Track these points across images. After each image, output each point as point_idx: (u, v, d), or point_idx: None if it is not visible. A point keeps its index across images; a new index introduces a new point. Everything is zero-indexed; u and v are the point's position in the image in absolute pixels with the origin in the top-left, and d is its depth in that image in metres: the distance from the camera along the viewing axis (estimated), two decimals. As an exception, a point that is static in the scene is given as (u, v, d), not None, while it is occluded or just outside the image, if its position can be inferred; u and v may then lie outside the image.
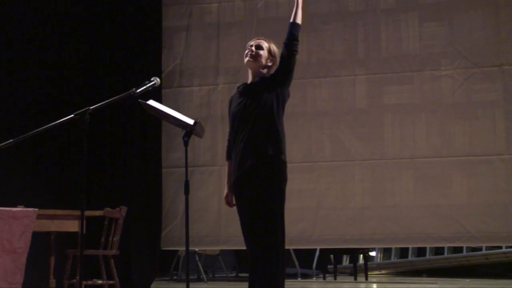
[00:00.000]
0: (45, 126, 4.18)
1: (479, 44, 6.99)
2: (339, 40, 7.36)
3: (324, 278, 8.99)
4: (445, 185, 6.93)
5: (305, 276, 9.48)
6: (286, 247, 8.77)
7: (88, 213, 5.69)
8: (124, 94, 4.35)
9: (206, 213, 7.42)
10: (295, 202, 7.04)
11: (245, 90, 4.53)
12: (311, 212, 7.19)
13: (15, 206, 5.51)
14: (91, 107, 4.08)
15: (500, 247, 9.00)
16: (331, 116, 7.28)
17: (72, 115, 4.05)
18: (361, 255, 9.17)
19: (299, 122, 7.24)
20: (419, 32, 7.14)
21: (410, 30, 7.17)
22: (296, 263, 9.43)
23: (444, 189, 6.92)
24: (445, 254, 9.48)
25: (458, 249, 9.35)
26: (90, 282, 6.64)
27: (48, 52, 7.52)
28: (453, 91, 7.01)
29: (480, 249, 9.21)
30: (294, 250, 9.32)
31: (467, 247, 9.20)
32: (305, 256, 9.64)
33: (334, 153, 7.23)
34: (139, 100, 4.56)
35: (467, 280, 8.75)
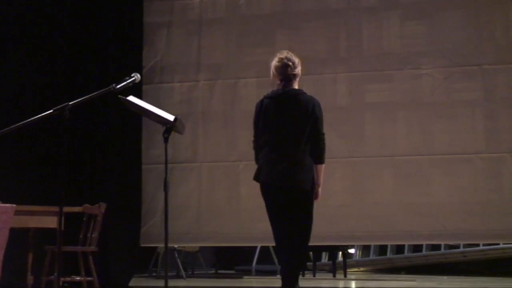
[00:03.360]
0: (23, 122, 4.14)
1: (459, 43, 7.02)
2: (320, 38, 7.36)
3: (303, 275, 9.00)
4: (425, 183, 6.96)
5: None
6: (266, 245, 8.87)
7: (66, 209, 5.65)
8: (104, 89, 4.33)
9: (186, 210, 7.40)
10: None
11: None
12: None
13: (-8, 201, 5.46)
14: (70, 103, 4.05)
15: (478, 245, 9.08)
16: (312, 114, 7.27)
17: (51, 111, 4.03)
18: (340, 252, 9.20)
19: (280, 119, 7.23)
20: (400, 30, 7.17)
21: (391, 28, 7.19)
22: (276, 260, 9.43)
23: (424, 187, 6.95)
24: (424, 252, 9.54)
25: (436, 247, 9.41)
26: (68, 279, 6.60)
27: (28, 47, 7.46)
28: (433, 90, 7.04)
29: (458, 246, 9.28)
30: (273, 247, 9.33)
31: (445, 245, 9.26)
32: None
33: (315, 150, 7.22)
34: (119, 96, 4.55)
35: (445, 277, 8.81)
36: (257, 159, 4.84)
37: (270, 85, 4.97)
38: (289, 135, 4.70)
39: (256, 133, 4.86)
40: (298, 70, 4.84)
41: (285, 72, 4.78)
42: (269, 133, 4.75)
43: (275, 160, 4.69)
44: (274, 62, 4.82)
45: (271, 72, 4.86)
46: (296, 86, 4.85)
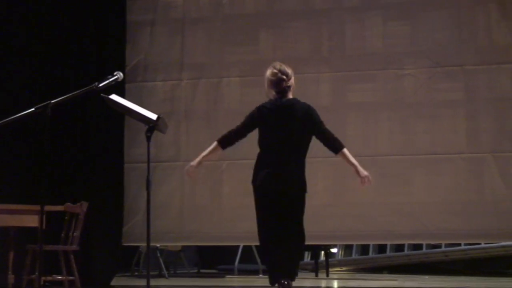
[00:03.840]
0: (5, 120, 4.12)
1: (441, 44, 7.06)
2: (304, 38, 7.37)
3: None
4: (407, 183, 6.99)
5: (267, 272, 9.50)
6: (249, 244, 8.88)
7: (48, 208, 5.61)
8: (86, 88, 4.32)
9: (169, 209, 7.38)
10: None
11: None
12: (274, 208, 7.18)
13: (-27, 200, 5.43)
14: (52, 101, 4.04)
15: (459, 245, 9.14)
16: (295, 113, 7.27)
17: (33, 109, 4.01)
18: (323, 252, 9.21)
19: (263, 118, 7.23)
20: (383, 31, 7.19)
21: (374, 28, 7.21)
22: (258, 259, 9.44)
23: (406, 187, 6.98)
24: (405, 251, 9.58)
25: (418, 246, 9.46)
26: (49, 278, 6.57)
27: (10, 45, 7.41)
28: (416, 90, 7.07)
29: (439, 246, 9.34)
30: (256, 246, 9.33)
31: (427, 244, 9.31)
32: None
33: (297, 150, 7.22)
34: (102, 94, 4.54)
35: (427, 277, 8.85)
36: (225, 139, 5.12)
37: (265, 95, 5.11)
38: (286, 143, 4.95)
39: (244, 125, 5.07)
40: (292, 81, 5.05)
41: (280, 86, 4.99)
42: (267, 142, 4.99)
43: (272, 165, 4.93)
44: (269, 76, 5.02)
45: (266, 83, 5.05)
46: (291, 96, 5.05)
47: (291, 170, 4.94)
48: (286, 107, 4.98)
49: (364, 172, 4.99)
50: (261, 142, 5.04)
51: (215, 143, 5.13)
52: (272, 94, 5.04)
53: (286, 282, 4.87)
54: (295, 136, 4.97)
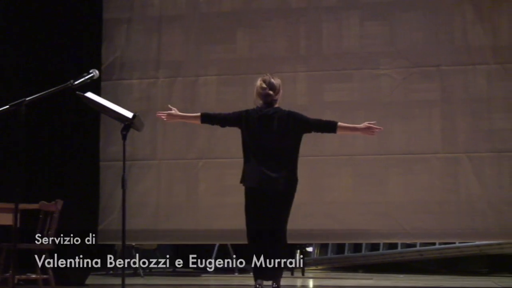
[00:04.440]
0: (-22, 117, 4.08)
1: (418, 44, 7.10)
2: (280, 37, 7.38)
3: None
4: (382, 182, 7.02)
5: (243, 271, 9.50)
6: (226, 242, 8.86)
7: (23, 206, 5.57)
8: (61, 85, 4.29)
9: (144, 208, 7.36)
10: (233, 197, 7.01)
11: None
12: (250, 207, 7.17)
13: None
14: (27, 98, 4.00)
15: (434, 244, 9.20)
16: (272, 112, 7.27)
17: (7, 106, 3.97)
18: (298, 251, 9.23)
19: (240, 117, 7.22)
20: (360, 30, 7.22)
21: (351, 28, 7.24)
22: (234, 258, 9.42)
23: (381, 187, 7.01)
24: (381, 250, 9.63)
25: (393, 246, 9.51)
26: (23, 276, 6.51)
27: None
28: (392, 90, 7.11)
29: (414, 245, 9.39)
30: (232, 245, 9.33)
31: (402, 244, 9.36)
32: (243, 251, 9.64)
33: (274, 149, 7.22)
34: (77, 92, 4.51)
35: (402, 275, 8.90)
36: (208, 115, 5.31)
37: (253, 103, 5.19)
38: (269, 149, 5.09)
39: (229, 116, 5.23)
40: (280, 94, 5.24)
41: (266, 99, 5.16)
42: (254, 145, 5.11)
43: (261, 165, 5.05)
44: (258, 88, 5.19)
45: (254, 93, 5.21)
46: (276, 106, 5.21)
47: (277, 171, 5.06)
48: (268, 116, 5.14)
49: (366, 125, 5.16)
50: (244, 147, 5.18)
51: (198, 113, 5.34)
52: (259, 103, 5.20)
53: (276, 285, 5.03)
54: (277, 141, 5.10)
